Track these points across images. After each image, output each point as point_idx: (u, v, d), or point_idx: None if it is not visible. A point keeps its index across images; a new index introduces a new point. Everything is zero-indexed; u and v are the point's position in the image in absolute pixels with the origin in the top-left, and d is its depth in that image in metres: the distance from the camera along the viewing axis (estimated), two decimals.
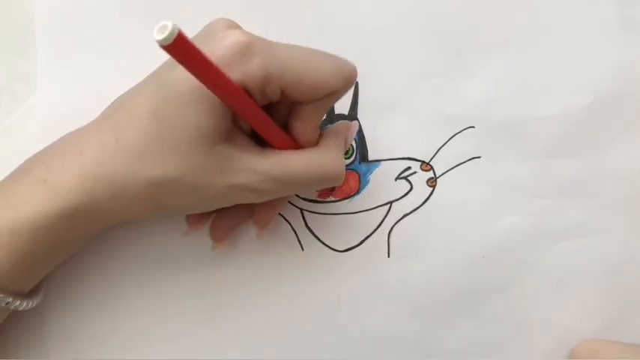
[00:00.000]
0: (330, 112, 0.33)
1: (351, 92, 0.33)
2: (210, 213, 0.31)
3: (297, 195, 0.33)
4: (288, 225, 0.33)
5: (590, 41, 0.33)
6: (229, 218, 0.31)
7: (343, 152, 0.29)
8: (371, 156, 0.33)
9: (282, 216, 0.33)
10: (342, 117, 0.33)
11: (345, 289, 0.33)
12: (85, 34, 0.32)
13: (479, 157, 0.33)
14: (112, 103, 0.28)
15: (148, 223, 0.32)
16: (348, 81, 0.27)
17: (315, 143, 0.28)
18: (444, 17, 0.33)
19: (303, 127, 0.27)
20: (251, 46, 0.24)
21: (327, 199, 0.33)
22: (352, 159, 0.33)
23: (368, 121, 0.33)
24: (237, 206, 0.30)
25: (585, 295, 0.33)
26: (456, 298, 0.33)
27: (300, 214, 0.33)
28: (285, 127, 0.28)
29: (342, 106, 0.33)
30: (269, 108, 0.27)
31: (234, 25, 0.26)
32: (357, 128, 0.32)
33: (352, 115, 0.33)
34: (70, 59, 0.32)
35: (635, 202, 0.33)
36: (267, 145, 0.27)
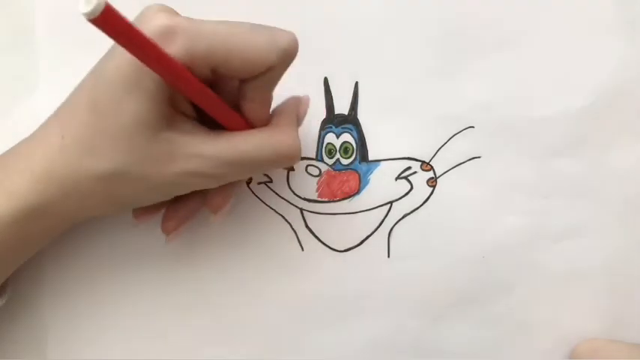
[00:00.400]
0: (330, 112, 0.33)
1: (350, 91, 0.33)
2: (159, 208, 0.30)
3: (297, 195, 0.33)
4: (288, 225, 0.33)
5: (590, 41, 0.33)
6: (181, 208, 0.30)
7: (297, 129, 0.28)
8: (371, 156, 0.33)
9: (282, 216, 0.33)
10: (342, 117, 0.33)
11: (345, 289, 0.33)
12: (85, 34, 0.32)
13: (479, 157, 0.33)
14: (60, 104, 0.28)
15: (145, 224, 0.31)
16: (285, 54, 0.25)
17: (267, 122, 0.28)
18: (444, 17, 0.33)
19: (251, 106, 0.27)
20: (174, 27, 0.24)
21: (328, 200, 0.33)
22: (352, 159, 0.33)
23: (368, 121, 0.33)
24: (189, 196, 0.29)
25: (585, 294, 0.33)
26: (456, 298, 0.33)
27: (300, 214, 0.33)
28: (235, 107, 0.27)
29: (342, 106, 0.33)
30: (217, 89, 0.26)
31: (164, 9, 0.25)
32: (308, 101, 0.31)
33: (352, 115, 0.33)
34: (70, 59, 0.32)
35: (634, 202, 0.33)
36: (218, 128, 0.27)
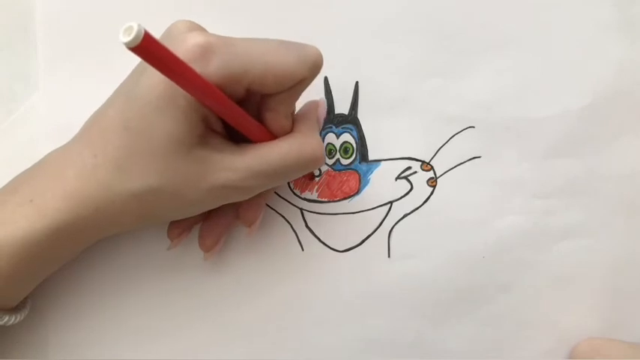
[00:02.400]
0: (330, 112, 0.33)
1: (351, 91, 0.33)
2: (191, 224, 0.31)
3: (297, 195, 0.33)
4: (288, 225, 0.33)
5: (590, 41, 0.33)
6: (216, 225, 0.31)
7: (318, 132, 0.29)
8: (371, 156, 0.33)
9: (282, 216, 0.33)
10: (342, 117, 0.33)
11: (345, 289, 0.33)
12: (85, 34, 0.32)
13: (479, 157, 0.33)
14: (86, 121, 0.28)
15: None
16: (313, 68, 0.26)
17: (290, 130, 0.28)
18: (444, 17, 0.33)
19: (275, 118, 0.27)
20: (210, 47, 0.24)
21: (328, 200, 0.33)
22: (352, 159, 0.33)
23: (368, 121, 0.33)
24: (222, 211, 0.30)
25: (585, 294, 0.33)
26: (456, 298, 0.33)
27: (300, 214, 0.33)
28: (259, 119, 0.27)
29: (342, 106, 0.33)
30: (240, 102, 0.26)
31: (194, 27, 0.26)
32: (325, 104, 0.32)
33: (352, 115, 0.33)
34: (70, 59, 0.32)
35: (634, 202, 0.33)
36: (242, 141, 0.27)
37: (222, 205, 0.29)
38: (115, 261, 0.32)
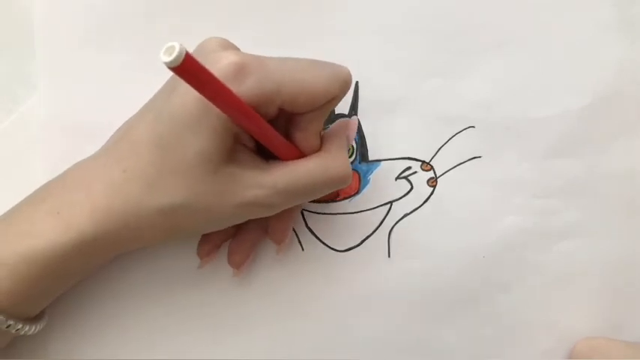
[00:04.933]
0: (331, 112, 0.33)
1: (351, 92, 0.33)
2: (220, 242, 0.31)
3: None
4: None
5: (590, 41, 0.33)
6: (245, 241, 0.31)
7: (347, 152, 0.29)
8: (371, 156, 0.33)
9: None
10: (342, 117, 0.33)
11: (345, 289, 0.33)
12: (85, 34, 0.32)
13: (479, 157, 0.33)
14: (113, 135, 0.28)
15: None
16: (344, 86, 0.27)
17: (319, 148, 0.28)
18: (444, 17, 0.33)
19: (305, 136, 0.27)
20: (245, 66, 0.24)
21: (328, 200, 0.33)
22: (352, 159, 0.33)
23: (368, 121, 0.33)
24: (250, 228, 0.31)
25: (585, 294, 0.33)
26: (456, 298, 0.33)
27: (300, 214, 0.33)
28: (287, 136, 0.28)
29: (342, 106, 0.33)
30: (270, 120, 0.27)
31: (227, 45, 0.26)
32: (356, 124, 0.32)
33: (352, 115, 0.33)
34: (70, 59, 0.32)
35: (634, 202, 0.33)
36: (270, 157, 0.27)
37: (250, 222, 0.30)
38: (122, 265, 0.32)
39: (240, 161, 0.26)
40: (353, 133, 0.31)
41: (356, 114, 0.33)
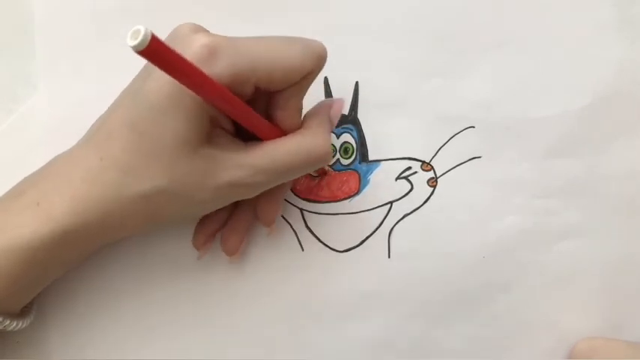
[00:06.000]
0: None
1: (351, 92, 0.33)
2: (215, 231, 0.31)
3: (297, 195, 0.33)
4: (288, 225, 0.33)
5: (590, 41, 0.33)
6: (237, 228, 0.31)
7: (329, 130, 0.29)
8: (371, 156, 0.33)
9: (282, 216, 0.33)
10: (342, 117, 0.33)
11: (345, 289, 0.33)
12: (85, 34, 0.32)
13: (479, 157, 0.33)
14: (92, 124, 0.28)
15: None
16: (319, 60, 0.26)
17: (300, 126, 0.28)
18: (444, 17, 0.33)
19: (284, 114, 0.27)
20: (216, 47, 0.24)
21: (328, 200, 0.33)
22: (352, 159, 0.33)
23: (368, 122, 0.33)
24: (241, 213, 0.30)
25: (585, 294, 0.33)
26: (456, 298, 0.33)
27: (300, 214, 0.33)
28: (268, 117, 0.28)
29: None
30: (248, 101, 0.26)
31: (198, 29, 0.26)
32: (341, 105, 0.32)
33: (352, 115, 0.33)
34: (70, 59, 0.32)
35: (634, 202, 0.33)
36: (251, 138, 0.27)
37: (241, 208, 0.30)
38: (119, 262, 0.32)
39: (219, 144, 0.26)
40: (337, 113, 0.31)
41: (356, 114, 0.33)
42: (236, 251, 0.31)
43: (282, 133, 0.28)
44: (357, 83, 0.33)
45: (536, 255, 0.33)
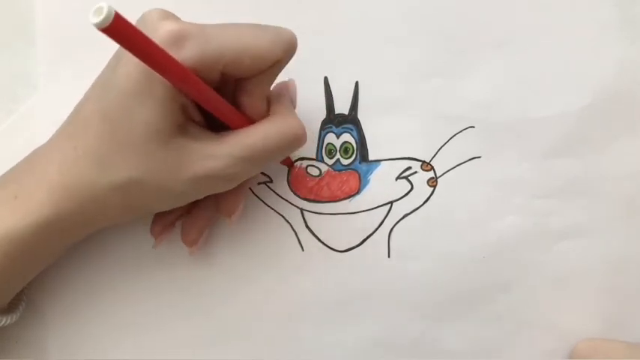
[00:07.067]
0: (330, 112, 0.33)
1: (351, 92, 0.33)
2: (174, 220, 0.31)
3: (297, 195, 0.33)
4: (288, 225, 0.33)
5: (590, 41, 0.33)
6: (198, 219, 0.30)
7: (294, 112, 0.29)
8: (371, 156, 0.33)
9: (282, 216, 0.33)
10: (342, 117, 0.33)
11: (345, 289, 0.33)
12: (85, 34, 0.32)
13: (479, 157, 0.33)
14: (68, 115, 0.28)
15: (142, 223, 0.31)
16: (288, 48, 0.26)
17: (266, 114, 0.28)
18: (444, 17, 0.33)
19: (252, 101, 0.27)
20: (183, 33, 0.24)
21: (328, 200, 0.33)
22: (352, 159, 0.33)
23: (368, 121, 0.33)
24: (204, 204, 0.30)
25: (585, 294, 0.33)
26: (456, 298, 0.33)
27: (300, 214, 0.33)
28: (234, 104, 0.27)
29: (342, 106, 0.33)
30: (216, 88, 0.26)
31: (167, 15, 0.25)
32: (294, 85, 0.31)
33: (352, 115, 0.33)
34: (70, 59, 0.32)
35: (634, 202, 0.33)
36: (221, 129, 0.27)
37: (203, 199, 0.29)
38: (113, 261, 0.32)
39: (191, 134, 0.26)
40: (294, 95, 0.31)
41: (356, 114, 0.33)
42: (195, 242, 0.30)
43: (249, 121, 0.27)
44: (357, 83, 0.33)
45: (536, 255, 0.33)
